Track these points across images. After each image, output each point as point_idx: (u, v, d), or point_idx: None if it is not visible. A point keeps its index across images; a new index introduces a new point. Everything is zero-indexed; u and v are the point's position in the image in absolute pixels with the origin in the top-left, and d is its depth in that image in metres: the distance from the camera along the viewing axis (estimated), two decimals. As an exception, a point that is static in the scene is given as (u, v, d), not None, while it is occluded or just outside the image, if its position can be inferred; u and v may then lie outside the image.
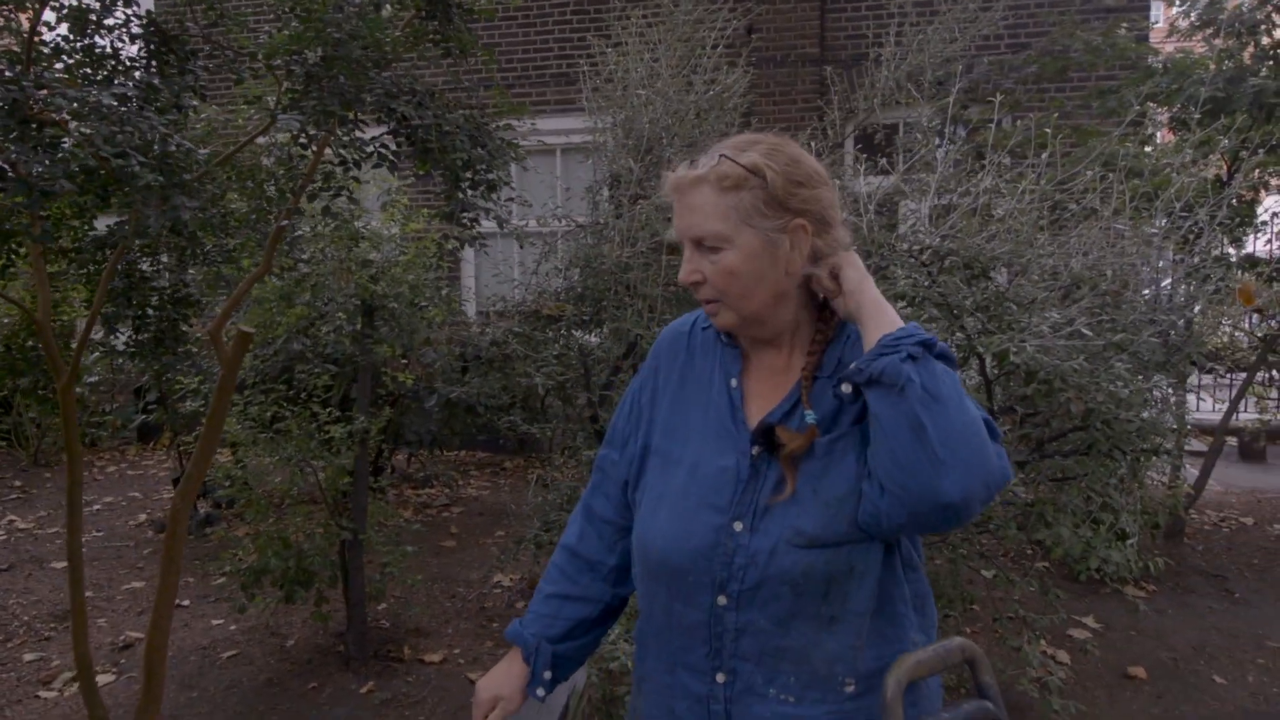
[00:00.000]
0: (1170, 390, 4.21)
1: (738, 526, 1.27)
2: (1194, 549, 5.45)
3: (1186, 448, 6.11)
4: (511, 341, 3.54)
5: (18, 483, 7.39)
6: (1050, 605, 3.19)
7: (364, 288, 4.11)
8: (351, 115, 2.64)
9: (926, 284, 2.56)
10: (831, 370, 1.28)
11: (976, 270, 2.45)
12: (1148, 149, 4.74)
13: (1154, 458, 4.13)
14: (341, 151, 2.72)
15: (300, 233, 3.76)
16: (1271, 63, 4.47)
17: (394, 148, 2.75)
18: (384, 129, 2.78)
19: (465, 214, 3.16)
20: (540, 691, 1.45)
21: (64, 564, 5.39)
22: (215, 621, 4.37)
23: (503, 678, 1.46)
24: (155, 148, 2.12)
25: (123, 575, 5.10)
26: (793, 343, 1.33)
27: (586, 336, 3.62)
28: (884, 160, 3.81)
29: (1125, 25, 5.11)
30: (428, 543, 5.52)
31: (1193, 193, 3.55)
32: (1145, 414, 2.87)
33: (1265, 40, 4.57)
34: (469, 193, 3.10)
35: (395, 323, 4.34)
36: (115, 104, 2.01)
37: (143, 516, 6.34)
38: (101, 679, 3.76)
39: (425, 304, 4.27)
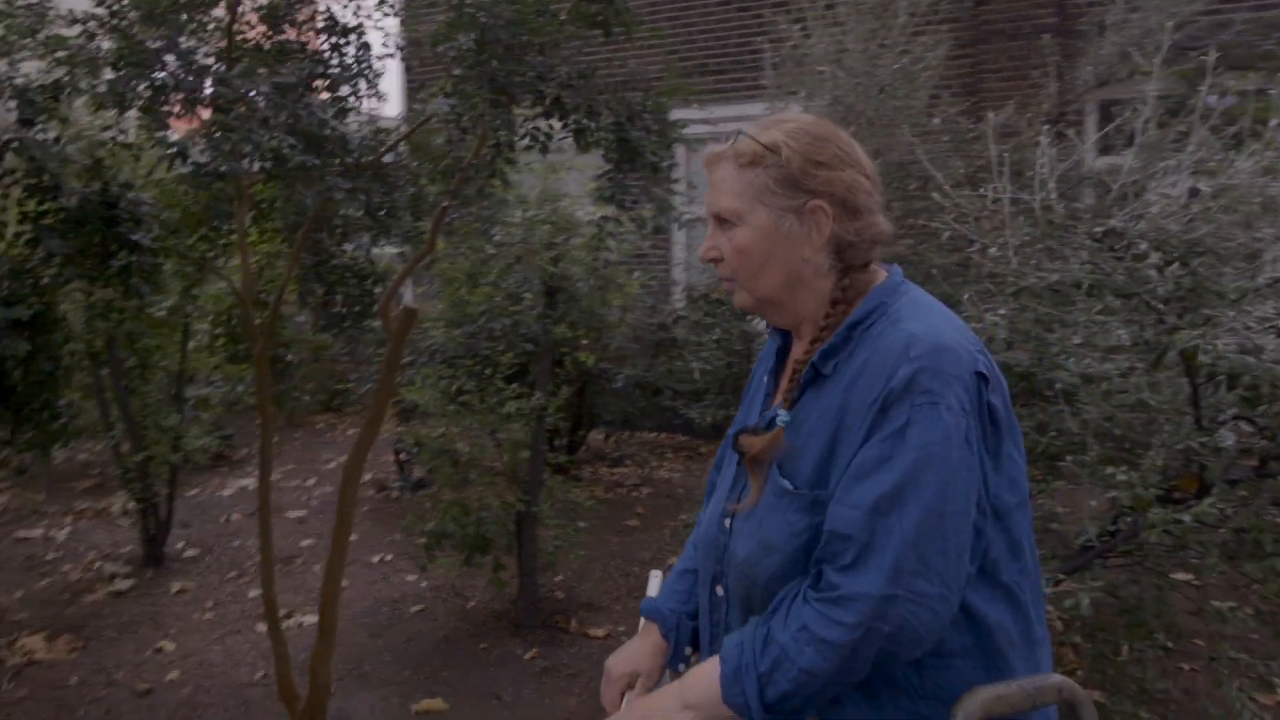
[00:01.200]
0: None
1: (727, 524, 1.28)
2: None
3: None
4: (675, 326, 3.52)
5: (274, 439, 8.34)
6: None
7: (545, 270, 4.24)
8: (504, 99, 2.71)
9: (1108, 270, 2.26)
10: (831, 370, 1.18)
11: (1171, 256, 2.12)
12: None
13: None
14: (497, 135, 2.80)
15: (483, 214, 3.94)
16: None
17: (545, 130, 2.80)
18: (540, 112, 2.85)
19: (625, 196, 3.17)
20: (681, 667, 1.41)
21: (297, 513, 6.03)
22: (410, 578, 4.70)
23: (638, 654, 1.43)
24: (311, 132, 2.28)
25: (341, 528, 5.61)
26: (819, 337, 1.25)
27: (751, 322, 3.52)
28: (1107, 136, 3.42)
29: None
30: (612, 521, 5.64)
31: None
32: None
33: None
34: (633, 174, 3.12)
35: (575, 304, 4.45)
36: (270, 92, 2.18)
37: (368, 476, 6.96)
38: (307, 619, 4.16)
39: (604, 286, 4.34)
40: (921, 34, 4.12)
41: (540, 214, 4.49)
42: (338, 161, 2.39)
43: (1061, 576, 2.46)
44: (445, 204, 2.92)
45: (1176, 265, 2.17)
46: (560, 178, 4.86)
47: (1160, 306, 2.15)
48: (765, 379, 1.35)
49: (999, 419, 1.13)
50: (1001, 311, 2.29)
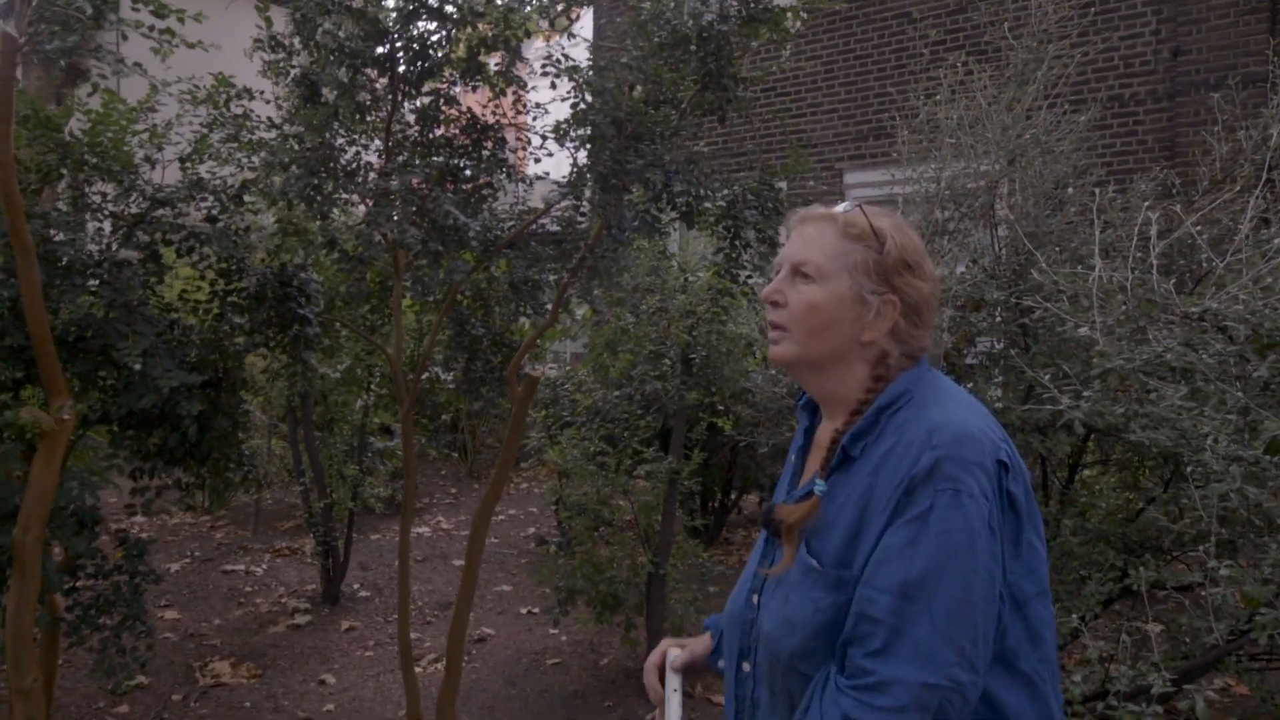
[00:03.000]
0: None
1: (755, 599, 1.33)
2: None
3: None
4: (786, 395, 3.57)
5: (453, 490, 8.93)
6: None
7: (680, 337, 4.41)
8: (616, 186, 2.93)
9: (1199, 352, 2.15)
10: (858, 452, 1.23)
11: (1267, 340, 1.99)
12: None
13: None
14: (610, 220, 3.02)
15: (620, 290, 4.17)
16: None
17: (654, 213, 2.99)
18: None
19: (738, 270, 3.31)
20: (720, 664, 1.50)
21: (462, 562, 6.43)
22: (552, 630, 4.92)
23: (688, 642, 1.58)
24: (436, 221, 2.58)
25: (498, 578, 5.94)
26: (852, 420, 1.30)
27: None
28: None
29: None
30: (755, 586, 5.64)
31: None
32: None
33: None
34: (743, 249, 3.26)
35: (710, 370, 4.58)
36: (398, 187, 2.49)
37: (531, 530, 7.31)
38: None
39: (737, 353, 4.45)
40: (1065, 99, 4.01)
41: (690, 280, 4.69)
42: (458, 244, 2.68)
43: (1172, 682, 2.29)
44: (565, 280, 3.16)
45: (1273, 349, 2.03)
46: (708, 248, 5.04)
47: (1240, 394, 2.01)
48: (793, 459, 1.41)
49: (1019, 507, 1.17)
50: (1086, 394, 2.21)
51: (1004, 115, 3.82)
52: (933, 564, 1.10)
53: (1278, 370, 1.97)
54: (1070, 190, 3.52)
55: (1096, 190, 3.25)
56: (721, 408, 4.81)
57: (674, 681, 1.52)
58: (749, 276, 3.34)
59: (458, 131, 3.24)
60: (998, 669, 1.16)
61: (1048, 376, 2.41)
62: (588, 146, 2.90)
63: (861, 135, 8.65)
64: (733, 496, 6.69)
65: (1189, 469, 3.09)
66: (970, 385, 3.54)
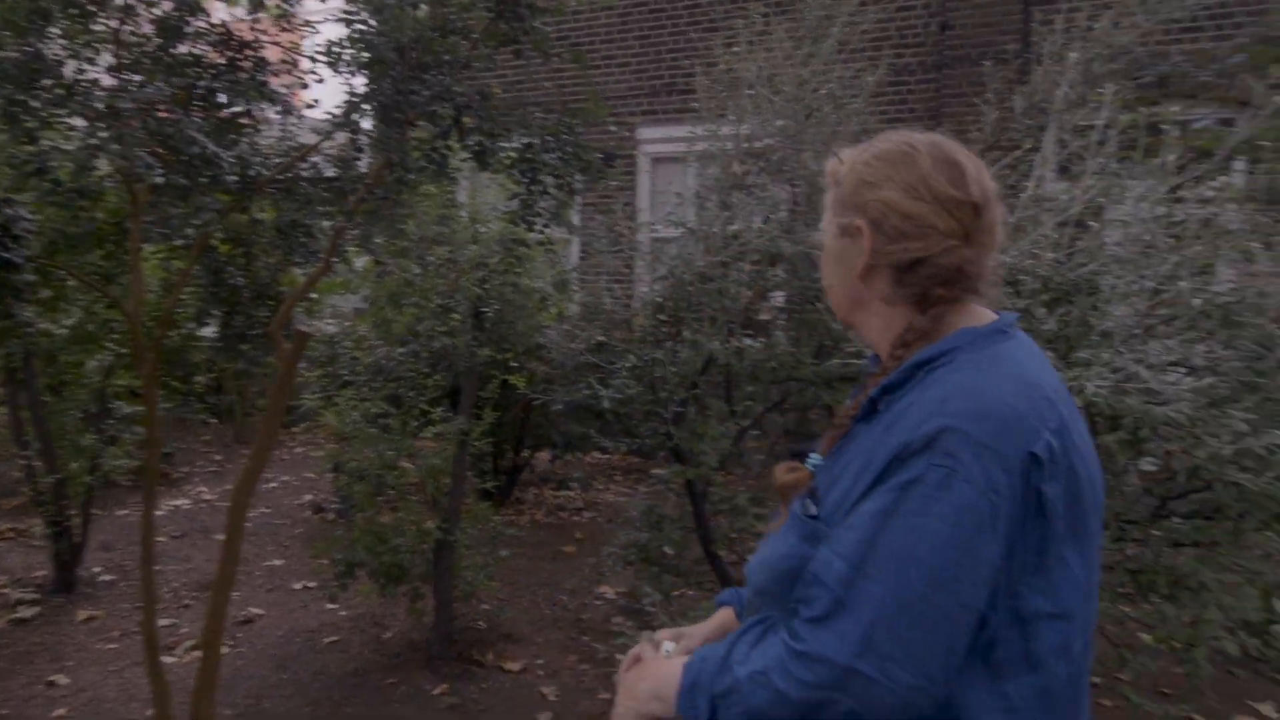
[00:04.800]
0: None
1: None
2: None
3: None
4: (587, 352, 3.43)
5: (218, 457, 8.17)
6: (1193, 689, 2.68)
7: (471, 291, 4.15)
8: (399, 120, 2.62)
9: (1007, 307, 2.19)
10: (885, 406, 1.10)
11: (1056, 293, 2.06)
12: None
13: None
14: (393, 157, 2.71)
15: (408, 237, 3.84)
16: None
17: (443, 152, 2.71)
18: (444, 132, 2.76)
19: (534, 218, 3.09)
20: None
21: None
22: (329, 606, 4.56)
23: (695, 626, 1.43)
24: (181, 151, 2.18)
25: (269, 552, 5.46)
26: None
27: (669, 348, 3.44)
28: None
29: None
30: (548, 546, 5.52)
31: None
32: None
33: None
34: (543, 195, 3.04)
35: (504, 326, 4.35)
36: (130, 107, 2.07)
37: (307, 498, 6.80)
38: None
39: (531, 308, 4.25)
40: (859, 59, 4.07)
41: (470, 233, 4.40)
42: (210, 179, 2.29)
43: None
44: (340, 224, 2.82)
45: (1062, 303, 2.11)
46: (509, 195, 4.76)
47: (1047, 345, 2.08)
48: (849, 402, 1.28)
49: (1051, 510, 1.01)
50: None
51: (801, 69, 3.82)
52: (900, 544, 0.99)
53: (1065, 323, 2.04)
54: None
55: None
56: (515, 365, 4.60)
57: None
58: (546, 226, 3.14)
59: (208, 48, 2.79)
60: (978, 684, 1.03)
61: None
62: (366, 73, 2.56)
63: (655, 90, 8.58)
64: (524, 455, 6.51)
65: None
66: (763, 340, 3.55)
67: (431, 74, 2.67)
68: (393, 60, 2.53)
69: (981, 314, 1.16)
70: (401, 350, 4.89)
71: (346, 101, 2.58)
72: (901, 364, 1.11)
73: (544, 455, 7.16)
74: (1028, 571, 1.01)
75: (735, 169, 3.68)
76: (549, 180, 3.08)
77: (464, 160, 2.79)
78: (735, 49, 3.93)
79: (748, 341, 3.36)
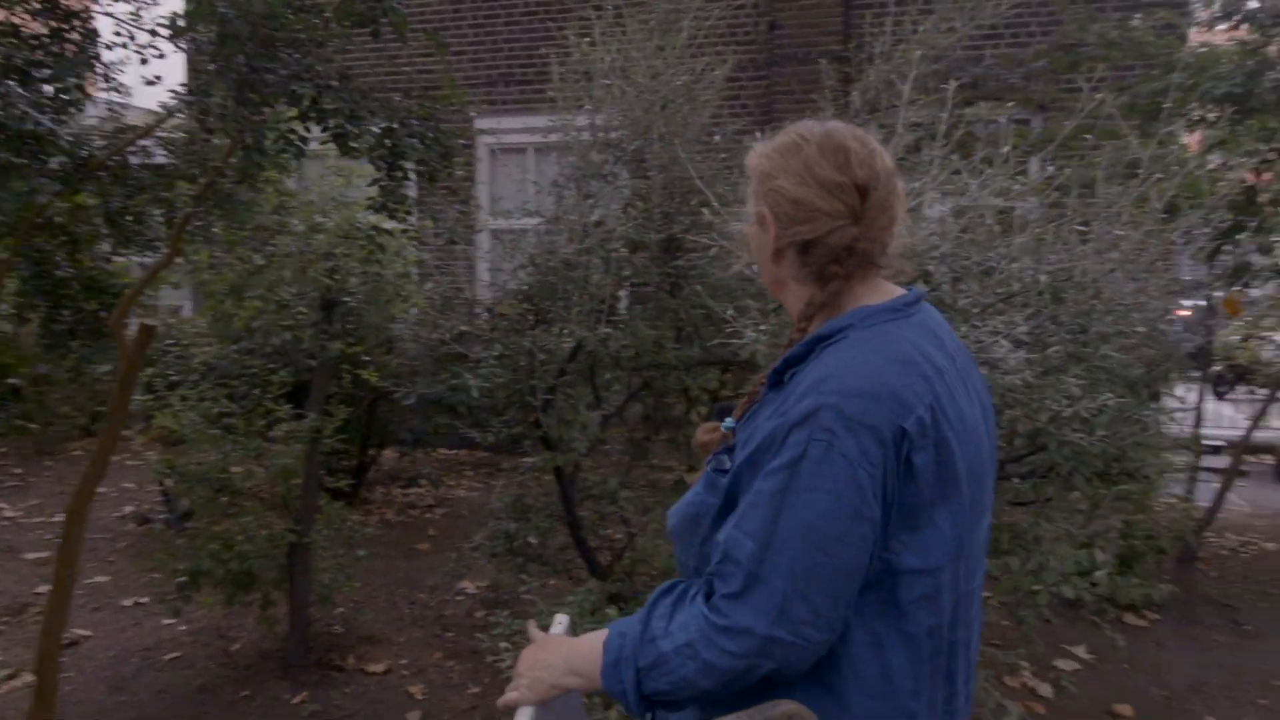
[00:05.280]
0: (1171, 406, 3.91)
1: None
2: (1206, 575, 5.11)
3: (1211, 466, 5.75)
4: (455, 342, 3.37)
5: (18, 470, 7.43)
6: (1025, 637, 2.95)
7: (320, 282, 3.97)
8: (254, 99, 2.48)
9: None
10: (789, 378, 1.21)
11: (919, 273, 2.22)
12: (1168, 149, 4.43)
13: (1161, 477, 3.81)
14: (245, 137, 2.57)
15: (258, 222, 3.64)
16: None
17: (303, 133, 2.59)
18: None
19: (397, 205, 3.01)
20: None
21: (38, 555, 5.35)
22: (167, 621, 4.26)
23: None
24: (5, 125, 1.98)
25: (90, 569, 5.03)
26: None
27: (536, 338, 3.43)
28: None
29: (1162, 16, 4.78)
30: (401, 545, 5.38)
31: (1214, 196, 3.26)
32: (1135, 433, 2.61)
33: (1291, 33, 4.23)
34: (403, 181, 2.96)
35: (356, 319, 4.20)
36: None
37: (128, 509, 6.31)
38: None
39: (388, 300, 4.12)
40: (706, 53, 4.19)
41: (319, 222, 4.21)
42: (46, 160, 2.09)
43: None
44: (189, 210, 2.64)
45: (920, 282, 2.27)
46: (348, 184, 4.58)
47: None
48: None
49: (922, 478, 1.11)
50: (763, 328, 2.32)
51: (654, 60, 3.89)
52: (797, 520, 1.09)
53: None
54: (718, 138, 3.68)
55: (743, 140, 3.44)
56: (367, 358, 4.45)
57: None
58: (408, 213, 3.06)
59: (29, 16, 2.54)
60: (854, 620, 1.14)
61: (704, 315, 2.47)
62: (214, 47, 2.41)
63: (491, 80, 8.47)
64: (371, 453, 6.31)
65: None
66: (622, 325, 3.60)
67: (286, 52, 2.55)
68: (244, 34, 2.40)
69: (885, 290, 1.25)
70: (235, 347, 4.62)
71: (196, 77, 2.41)
72: (804, 338, 1.22)
73: (391, 453, 6.96)
74: (901, 530, 1.12)
75: (594, 157, 3.71)
76: (409, 166, 3.01)
77: (324, 144, 2.67)
78: (589, 40, 3.95)
79: (608, 330, 3.40)
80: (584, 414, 3.37)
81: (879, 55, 4.58)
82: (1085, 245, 2.73)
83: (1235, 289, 3.97)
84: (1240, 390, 8.17)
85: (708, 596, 1.16)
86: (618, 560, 3.86)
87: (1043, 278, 2.45)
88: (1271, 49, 4.38)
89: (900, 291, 1.26)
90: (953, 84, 3.22)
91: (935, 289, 2.28)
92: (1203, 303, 5.11)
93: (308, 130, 2.59)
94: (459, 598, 4.63)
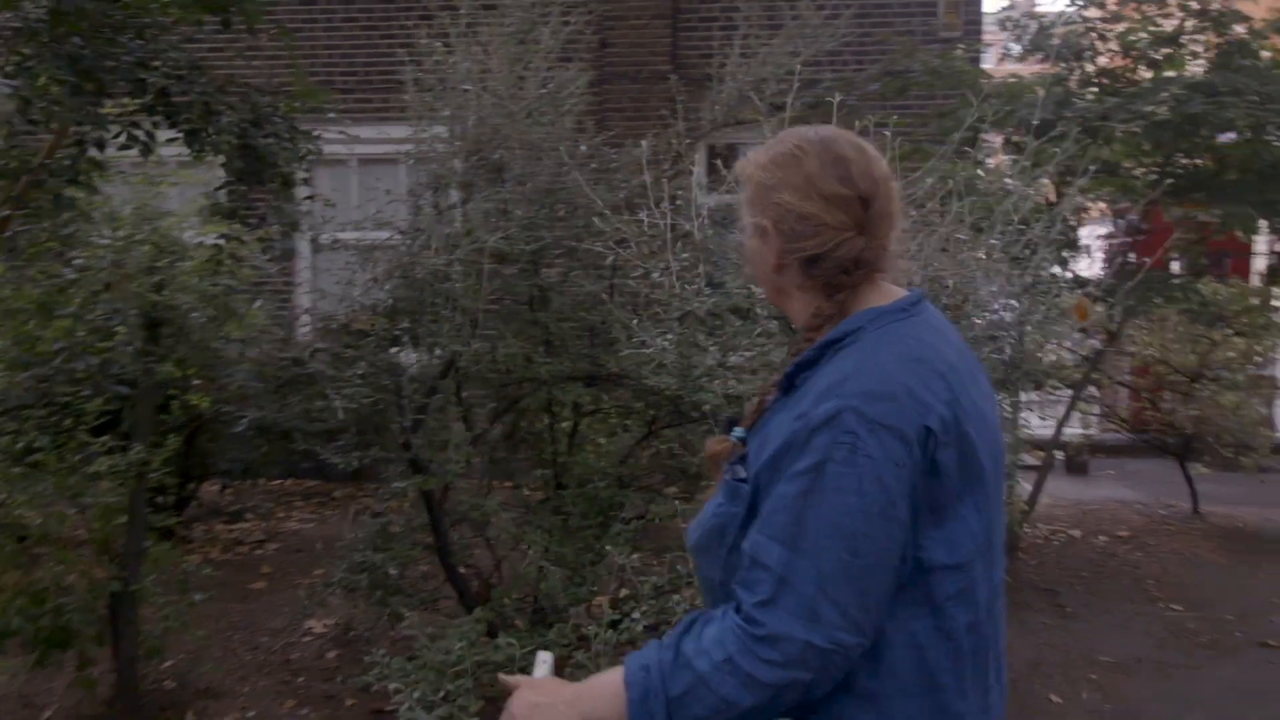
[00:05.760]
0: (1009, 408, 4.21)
1: None
2: (1027, 564, 5.54)
3: (1022, 463, 6.25)
4: (312, 360, 3.12)
5: None
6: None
7: (144, 298, 3.57)
8: (90, 87, 2.19)
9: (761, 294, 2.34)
10: (802, 382, 1.20)
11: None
12: (980, 171, 4.79)
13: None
14: (81, 132, 2.26)
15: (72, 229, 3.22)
16: (1096, 88, 4.61)
17: (148, 126, 2.31)
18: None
19: (249, 212, 2.75)
20: None
21: None
22: (-45, 693, 3.68)
23: None
24: None
25: None
26: None
27: (403, 354, 3.24)
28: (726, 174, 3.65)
29: (961, 48, 5.17)
30: (233, 586, 4.93)
31: (1025, 212, 3.53)
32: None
33: (1090, 67, 4.71)
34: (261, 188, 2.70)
35: (185, 339, 3.81)
36: None
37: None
38: None
39: (221, 317, 3.77)
40: (552, 66, 4.13)
41: (138, 234, 3.79)
42: None
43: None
44: (6, 213, 2.29)
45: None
46: (162, 194, 4.15)
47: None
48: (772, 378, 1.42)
49: (946, 475, 1.12)
50: (669, 336, 2.29)
51: (514, 68, 3.79)
52: (824, 521, 1.08)
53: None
54: (584, 148, 3.63)
55: (611, 150, 3.41)
56: (197, 381, 4.05)
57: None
58: (258, 222, 2.80)
59: None
60: (891, 621, 1.13)
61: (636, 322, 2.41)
62: (45, 24, 2.11)
63: (347, 87, 8.02)
64: (190, 487, 5.75)
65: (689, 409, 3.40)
66: (493, 340, 3.47)
67: (125, 39, 2.27)
68: (79, 13, 2.12)
69: (889, 291, 1.26)
70: (28, 374, 4.08)
71: (20, 55, 2.10)
72: (813, 343, 1.21)
73: (212, 487, 6.38)
74: (929, 527, 1.13)
75: (454, 165, 3.56)
76: (264, 170, 2.76)
77: (172, 139, 2.40)
78: (446, 47, 3.79)
79: (484, 345, 3.26)
80: (456, 433, 3.21)
81: (727, 74, 4.69)
82: (944, 253, 2.89)
83: (1081, 294, 4.35)
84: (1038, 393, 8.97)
85: (737, 609, 1.12)
86: (489, 586, 3.70)
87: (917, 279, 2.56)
88: (1072, 81, 4.85)
89: (902, 292, 1.26)
90: (790, 103, 3.34)
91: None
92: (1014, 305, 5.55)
93: (155, 126, 2.31)
94: (306, 639, 4.29)
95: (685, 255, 2.37)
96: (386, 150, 6.42)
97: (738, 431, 1.27)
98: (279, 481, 7.41)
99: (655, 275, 2.39)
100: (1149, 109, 3.98)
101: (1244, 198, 4.92)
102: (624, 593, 3.23)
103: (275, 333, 3.96)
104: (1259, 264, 7.26)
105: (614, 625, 2.77)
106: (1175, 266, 6.58)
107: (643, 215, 2.63)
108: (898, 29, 6.99)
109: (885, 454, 1.08)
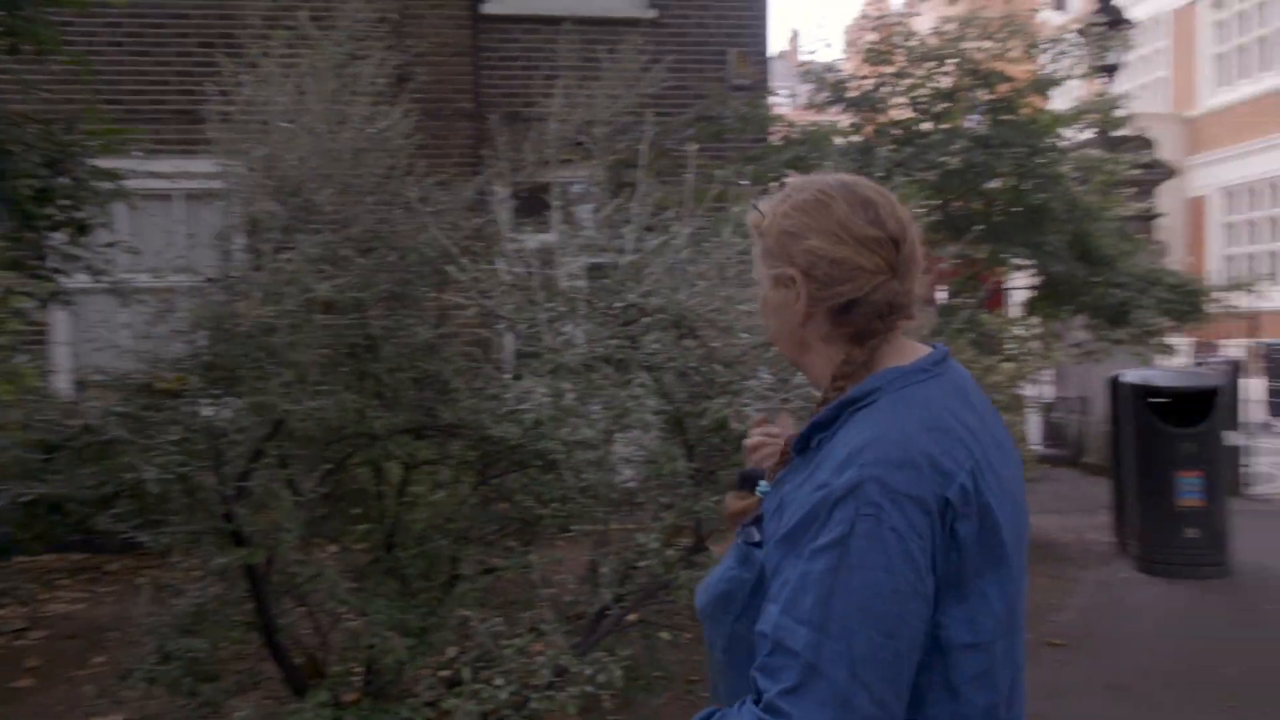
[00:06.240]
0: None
1: None
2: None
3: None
4: (111, 424, 2.75)
5: None
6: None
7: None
8: None
9: (629, 346, 2.31)
10: (817, 444, 1.17)
11: (684, 330, 2.25)
12: None
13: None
14: None
15: None
16: (889, 138, 5.00)
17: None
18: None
19: (42, 261, 2.41)
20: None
21: None
22: None
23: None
24: None
25: None
26: None
27: (218, 413, 2.93)
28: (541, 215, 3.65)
29: (767, 95, 5.44)
30: (-7, 686, 4.26)
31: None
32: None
33: (882, 118, 5.10)
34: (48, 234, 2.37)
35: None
36: None
37: None
38: None
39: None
40: (382, 101, 3.95)
41: None
42: None
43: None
44: None
45: (689, 337, 2.31)
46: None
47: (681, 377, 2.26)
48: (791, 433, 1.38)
49: (966, 549, 1.07)
50: (542, 390, 2.20)
51: (330, 107, 3.58)
52: (853, 602, 1.02)
53: (696, 356, 2.23)
54: (415, 190, 3.47)
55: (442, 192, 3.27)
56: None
57: None
58: (55, 267, 2.46)
59: None
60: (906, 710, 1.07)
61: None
62: None
63: (151, 118, 7.25)
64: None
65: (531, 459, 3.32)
66: (323, 394, 3.22)
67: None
68: None
69: (910, 349, 1.22)
70: None
71: None
72: (830, 403, 1.18)
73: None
74: (949, 604, 1.08)
75: (273, 208, 3.29)
76: (54, 214, 2.43)
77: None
78: (257, 78, 3.51)
79: (311, 402, 3.01)
80: (286, 498, 2.93)
81: (550, 115, 4.67)
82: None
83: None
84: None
85: (757, 700, 1.05)
86: (316, 662, 3.40)
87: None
88: (868, 130, 5.23)
89: (925, 350, 1.22)
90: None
91: (704, 344, 2.33)
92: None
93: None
94: (94, 742, 3.76)
95: (551, 305, 2.29)
96: (192, 186, 5.90)
97: (763, 486, 1.24)
98: (32, 559, 6.52)
99: (522, 326, 2.30)
100: (942, 159, 4.35)
101: (1010, 238, 5.48)
102: (473, 654, 3.07)
103: (52, 393, 3.49)
104: (1018, 296, 8.12)
105: (475, 694, 2.62)
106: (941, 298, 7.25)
107: (499, 263, 2.54)
108: (695, 76, 7.31)
109: (909, 526, 1.04)
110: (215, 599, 3.22)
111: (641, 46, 6.33)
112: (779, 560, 1.09)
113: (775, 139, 5.60)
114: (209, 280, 3.34)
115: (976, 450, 1.12)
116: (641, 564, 2.54)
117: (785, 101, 9.02)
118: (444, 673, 3.13)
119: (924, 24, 6.34)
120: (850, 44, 5.63)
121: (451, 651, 3.26)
